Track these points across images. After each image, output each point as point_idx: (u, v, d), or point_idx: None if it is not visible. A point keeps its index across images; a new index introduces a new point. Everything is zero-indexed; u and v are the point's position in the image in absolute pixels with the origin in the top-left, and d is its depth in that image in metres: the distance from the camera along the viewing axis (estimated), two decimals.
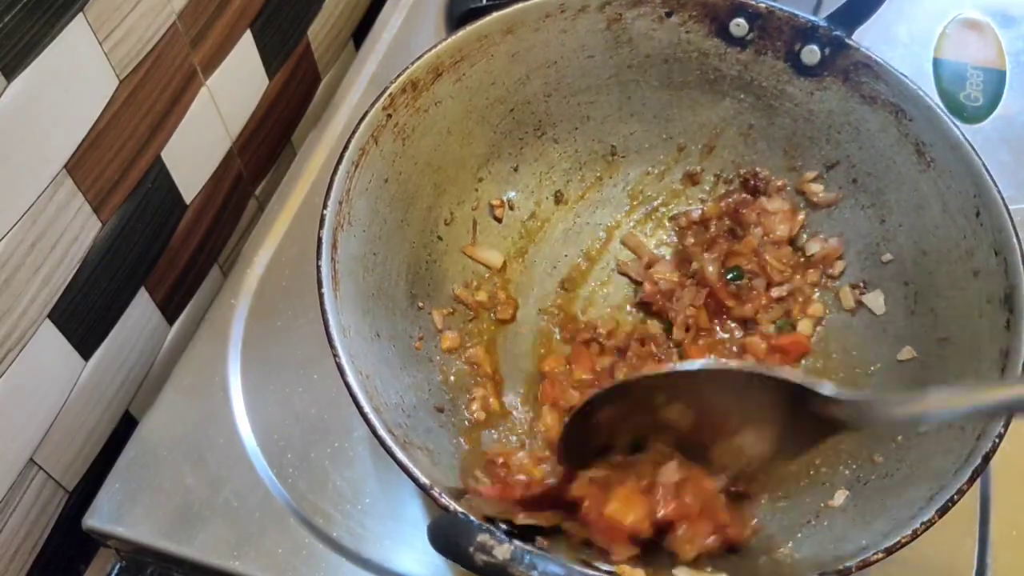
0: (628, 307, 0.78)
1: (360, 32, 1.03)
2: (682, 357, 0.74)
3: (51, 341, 0.68)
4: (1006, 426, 0.56)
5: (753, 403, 0.58)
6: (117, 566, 0.73)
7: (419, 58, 0.70)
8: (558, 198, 0.81)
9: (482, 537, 0.47)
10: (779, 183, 0.79)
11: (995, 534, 0.70)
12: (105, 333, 0.74)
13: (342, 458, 0.73)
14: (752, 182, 0.79)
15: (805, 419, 0.57)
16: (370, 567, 0.69)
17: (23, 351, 0.65)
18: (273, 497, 0.71)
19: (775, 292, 0.76)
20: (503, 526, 0.50)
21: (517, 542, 0.47)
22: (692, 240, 0.79)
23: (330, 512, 0.71)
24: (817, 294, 0.76)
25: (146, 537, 0.70)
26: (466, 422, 0.69)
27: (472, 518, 0.51)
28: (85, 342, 0.72)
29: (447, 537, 0.48)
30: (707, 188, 0.82)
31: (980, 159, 0.66)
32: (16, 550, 0.70)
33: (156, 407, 0.76)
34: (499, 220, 0.79)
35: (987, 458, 0.56)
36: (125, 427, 0.78)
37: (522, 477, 0.63)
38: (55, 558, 0.75)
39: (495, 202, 0.79)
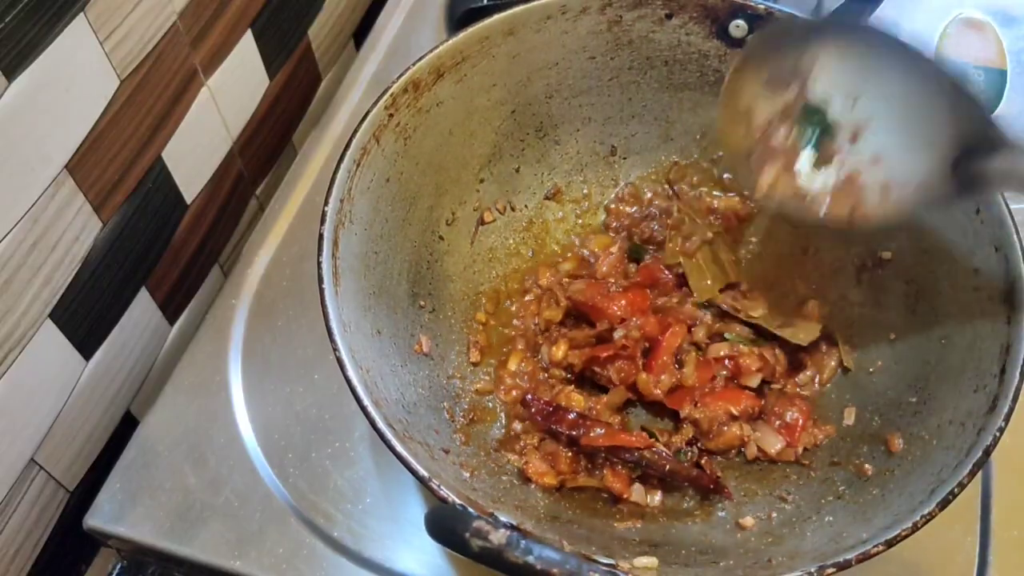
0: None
1: (360, 32, 1.04)
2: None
3: (52, 341, 0.68)
4: (1007, 419, 0.56)
5: (934, 116, 0.58)
6: (118, 566, 0.73)
7: (421, 59, 0.70)
8: (558, 199, 0.81)
9: (478, 523, 0.47)
10: None
11: (996, 532, 0.70)
12: (106, 333, 0.74)
13: (343, 458, 0.73)
14: None
15: (957, 167, 0.57)
16: (371, 567, 0.69)
17: (24, 351, 0.65)
18: (274, 497, 0.71)
19: None
20: (503, 519, 0.49)
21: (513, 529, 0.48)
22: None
23: (331, 512, 0.71)
24: None
25: (147, 537, 0.70)
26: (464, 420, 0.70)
27: (469, 508, 0.51)
28: (86, 342, 0.72)
29: (444, 525, 0.48)
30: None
31: None
32: (17, 550, 0.70)
33: (157, 407, 0.76)
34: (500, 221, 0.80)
35: (988, 452, 0.56)
36: (126, 427, 0.78)
37: None
38: (56, 558, 0.74)
39: (497, 203, 0.79)
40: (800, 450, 0.69)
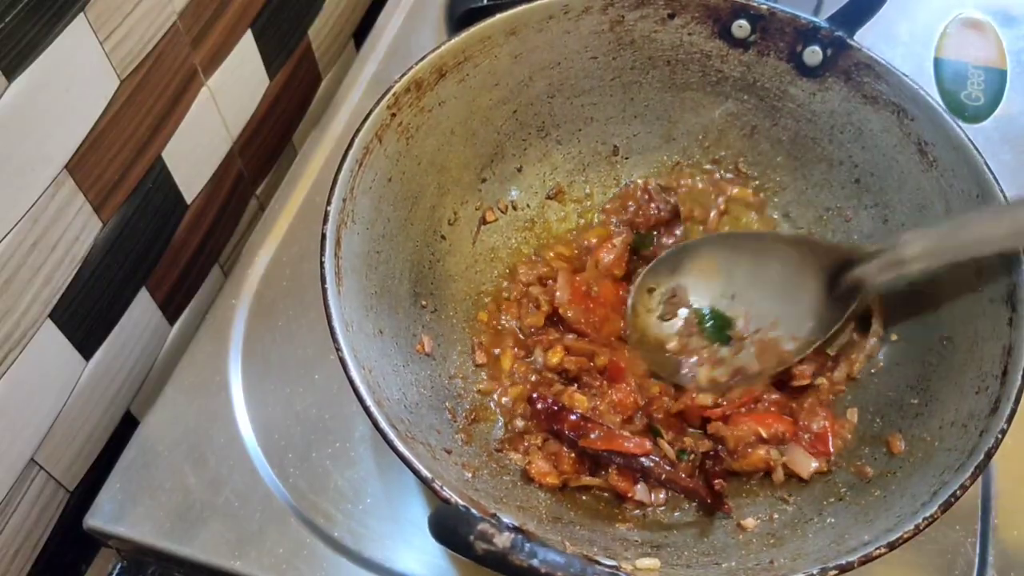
0: None
1: (361, 32, 1.04)
2: None
3: (52, 341, 0.68)
4: (1009, 421, 0.56)
5: (793, 270, 0.72)
6: (118, 566, 0.73)
7: (423, 58, 0.70)
8: (560, 199, 0.81)
9: (482, 526, 0.47)
10: None
11: (996, 533, 0.70)
12: (106, 333, 0.74)
13: (343, 458, 0.73)
14: None
15: (834, 289, 0.70)
16: (371, 567, 0.69)
17: (24, 351, 0.65)
18: (274, 497, 0.71)
19: None
20: (506, 520, 0.49)
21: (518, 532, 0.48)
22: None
23: (331, 512, 0.71)
24: None
25: (147, 537, 0.70)
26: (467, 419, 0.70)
27: (472, 509, 0.51)
28: (86, 342, 0.72)
29: (447, 527, 0.48)
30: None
31: (982, 157, 0.66)
32: (17, 550, 0.70)
33: (157, 407, 0.76)
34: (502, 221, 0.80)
35: (990, 454, 0.56)
36: (126, 427, 0.78)
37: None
38: (56, 558, 0.74)
39: (499, 203, 0.79)
40: (834, 457, 0.67)
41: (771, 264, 0.73)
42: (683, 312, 0.76)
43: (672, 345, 0.75)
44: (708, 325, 0.75)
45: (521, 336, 0.75)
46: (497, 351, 0.74)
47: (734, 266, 0.75)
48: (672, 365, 0.74)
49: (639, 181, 0.81)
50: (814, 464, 0.67)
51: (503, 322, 0.76)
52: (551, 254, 0.79)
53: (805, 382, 0.71)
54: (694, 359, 0.74)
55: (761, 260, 0.74)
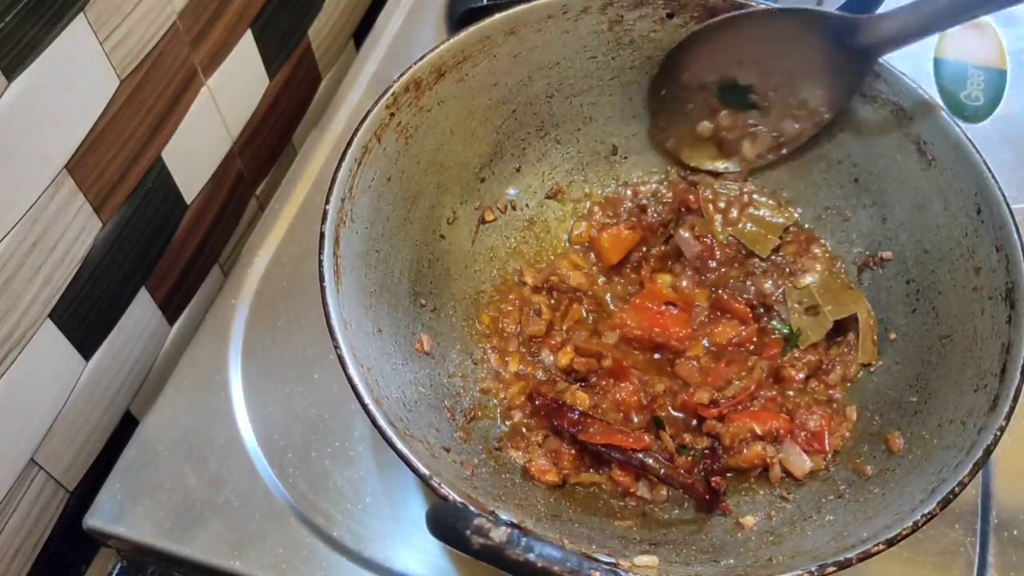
0: None
1: (360, 32, 1.04)
2: None
3: (52, 341, 0.68)
4: (1007, 418, 0.56)
5: (799, 45, 0.73)
6: (118, 566, 0.73)
7: (422, 58, 0.70)
8: (560, 198, 0.81)
9: (479, 521, 0.47)
10: None
11: (996, 532, 0.70)
12: (106, 333, 0.74)
13: (343, 458, 0.73)
14: None
15: (843, 56, 0.71)
16: (371, 567, 0.69)
17: (24, 351, 0.65)
18: (274, 497, 0.71)
19: None
20: (503, 516, 0.49)
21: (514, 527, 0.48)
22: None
23: (331, 512, 0.71)
24: None
25: (147, 537, 0.70)
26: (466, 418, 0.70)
27: (470, 506, 0.51)
28: (86, 342, 0.72)
29: (445, 522, 0.48)
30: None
31: (981, 156, 0.66)
32: (17, 550, 0.70)
33: (157, 407, 0.76)
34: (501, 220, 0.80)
35: (988, 451, 0.56)
36: (126, 427, 0.78)
37: None
38: (56, 558, 0.74)
39: (498, 202, 0.79)
40: (831, 455, 0.67)
41: (769, 33, 0.74)
42: (703, 94, 0.77)
43: (702, 128, 0.77)
44: (731, 98, 0.76)
45: (525, 341, 0.75)
46: (509, 350, 0.74)
47: (733, 40, 0.75)
48: (713, 151, 0.78)
49: (629, 191, 0.81)
50: (808, 464, 0.66)
51: (506, 326, 0.76)
52: (565, 263, 0.78)
53: (796, 387, 0.71)
54: (733, 136, 0.76)
55: (758, 32, 0.74)
